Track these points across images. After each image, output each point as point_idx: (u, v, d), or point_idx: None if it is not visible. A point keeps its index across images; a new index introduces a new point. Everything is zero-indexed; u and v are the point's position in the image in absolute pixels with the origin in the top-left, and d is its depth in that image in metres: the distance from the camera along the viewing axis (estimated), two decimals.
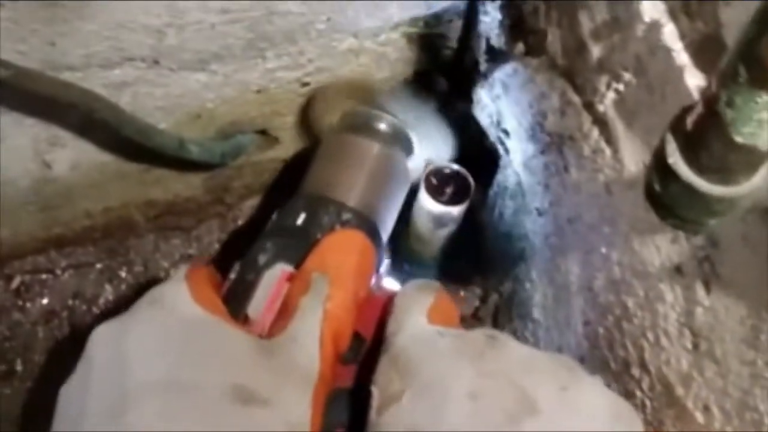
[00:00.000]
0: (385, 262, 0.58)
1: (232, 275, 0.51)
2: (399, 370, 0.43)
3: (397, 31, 0.71)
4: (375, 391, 0.43)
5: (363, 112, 0.64)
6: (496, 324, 0.77)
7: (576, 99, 0.56)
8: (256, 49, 0.65)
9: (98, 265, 0.79)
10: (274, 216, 0.56)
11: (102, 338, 0.42)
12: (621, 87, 0.50)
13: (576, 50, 0.55)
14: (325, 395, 0.43)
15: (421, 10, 0.70)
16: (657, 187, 0.35)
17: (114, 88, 0.62)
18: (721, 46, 0.41)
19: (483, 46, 0.71)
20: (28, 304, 0.77)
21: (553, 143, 0.60)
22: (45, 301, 0.78)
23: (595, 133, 0.54)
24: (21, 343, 0.76)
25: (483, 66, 0.71)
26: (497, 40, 0.68)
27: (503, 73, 0.66)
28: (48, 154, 0.67)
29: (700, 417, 0.46)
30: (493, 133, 0.72)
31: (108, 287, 0.79)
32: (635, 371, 0.53)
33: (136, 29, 0.58)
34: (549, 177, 0.62)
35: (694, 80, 0.43)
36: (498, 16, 0.66)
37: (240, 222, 0.83)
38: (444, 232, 0.73)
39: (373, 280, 0.55)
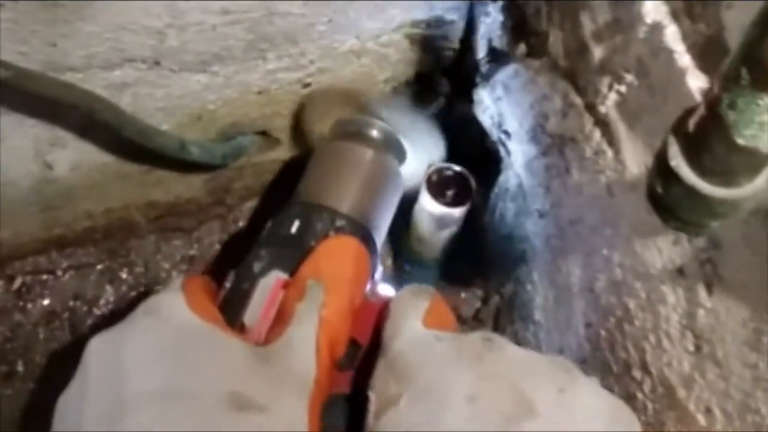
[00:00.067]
0: (380, 269, 0.58)
1: (228, 284, 0.51)
2: (396, 374, 0.43)
3: (399, 32, 0.71)
4: (372, 395, 0.43)
5: (355, 120, 0.64)
6: (497, 325, 0.77)
7: (578, 100, 0.56)
8: (257, 50, 0.65)
9: (99, 266, 0.79)
10: (269, 224, 0.56)
11: (98, 348, 0.42)
12: (623, 88, 0.50)
13: (578, 52, 0.55)
14: (322, 401, 0.43)
15: (422, 11, 0.70)
16: (659, 189, 0.35)
17: (115, 89, 0.62)
18: (723, 48, 0.41)
19: (484, 47, 0.71)
20: (29, 305, 0.77)
21: (555, 145, 0.60)
22: (46, 302, 0.78)
23: (597, 134, 0.54)
24: (22, 344, 0.76)
25: (484, 67, 0.71)
26: (499, 42, 0.68)
27: (505, 74, 0.66)
28: (49, 154, 0.67)
29: (701, 419, 0.46)
30: (494, 135, 0.72)
31: (109, 288, 0.79)
32: (637, 373, 0.53)
33: (136, 30, 0.58)
34: (550, 178, 0.62)
35: (696, 82, 0.43)
36: (499, 17, 0.66)
37: (241, 223, 0.83)
38: (445, 234, 0.73)
39: (368, 286, 0.55)
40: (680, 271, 0.47)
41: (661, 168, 0.34)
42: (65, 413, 0.40)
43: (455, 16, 0.72)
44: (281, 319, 0.47)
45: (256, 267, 0.51)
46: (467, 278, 0.80)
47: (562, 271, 0.62)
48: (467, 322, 0.78)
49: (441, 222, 0.71)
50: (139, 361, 0.40)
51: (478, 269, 0.80)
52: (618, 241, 0.53)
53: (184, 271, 0.81)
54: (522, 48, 0.64)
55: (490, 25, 0.69)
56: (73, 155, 0.68)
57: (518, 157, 0.68)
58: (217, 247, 0.82)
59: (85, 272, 0.79)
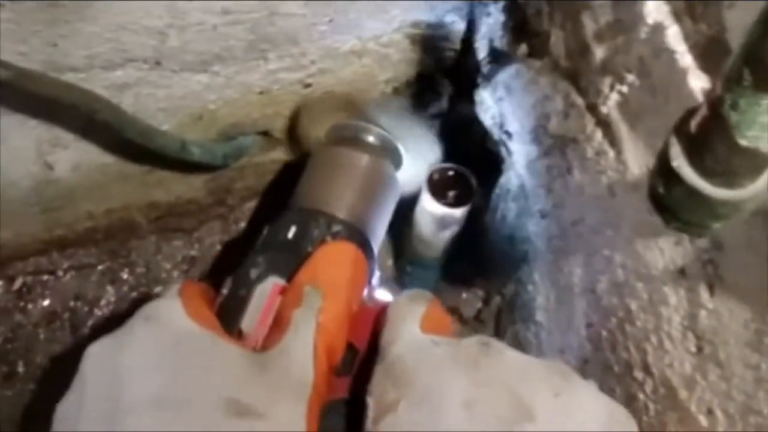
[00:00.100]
0: (377, 274, 0.58)
1: (225, 290, 0.51)
2: (394, 379, 0.43)
3: (400, 32, 0.71)
4: (370, 401, 0.43)
5: (351, 125, 0.64)
6: (498, 326, 0.77)
7: (579, 101, 0.56)
8: (257, 50, 0.65)
9: (100, 267, 0.79)
10: (265, 230, 0.56)
11: (96, 355, 0.42)
12: (624, 89, 0.50)
13: (579, 52, 0.55)
14: (320, 407, 0.43)
15: (423, 11, 0.70)
16: (661, 189, 0.35)
17: (116, 90, 0.62)
18: (725, 49, 0.41)
19: (486, 47, 0.71)
20: (30, 306, 0.77)
21: (556, 145, 0.60)
22: (46, 302, 0.78)
23: (599, 135, 0.54)
24: (22, 345, 0.76)
25: (486, 68, 0.71)
26: (500, 42, 0.67)
27: (506, 74, 0.66)
28: (50, 155, 0.67)
29: (703, 420, 0.46)
30: (495, 135, 0.72)
31: (110, 289, 0.79)
32: (638, 374, 0.53)
33: (137, 31, 0.58)
34: (552, 179, 0.62)
35: (698, 82, 0.43)
36: (501, 17, 0.66)
37: (242, 224, 0.83)
38: (447, 234, 0.73)
39: (365, 292, 0.55)
40: (682, 272, 0.47)
41: (663, 169, 0.34)
42: (63, 420, 0.40)
43: (456, 17, 0.72)
44: (278, 325, 0.47)
45: (253, 273, 0.51)
46: (468, 278, 0.80)
47: (564, 272, 0.62)
48: (468, 323, 0.78)
49: (442, 222, 0.71)
50: (136, 368, 0.40)
51: (480, 269, 0.80)
52: (619, 241, 0.53)
53: (185, 271, 0.81)
54: (523, 48, 0.64)
55: (492, 25, 0.68)
56: (74, 156, 0.68)
57: (520, 158, 0.68)
58: (218, 247, 0.82)
59: (86, 273, 0.79)
